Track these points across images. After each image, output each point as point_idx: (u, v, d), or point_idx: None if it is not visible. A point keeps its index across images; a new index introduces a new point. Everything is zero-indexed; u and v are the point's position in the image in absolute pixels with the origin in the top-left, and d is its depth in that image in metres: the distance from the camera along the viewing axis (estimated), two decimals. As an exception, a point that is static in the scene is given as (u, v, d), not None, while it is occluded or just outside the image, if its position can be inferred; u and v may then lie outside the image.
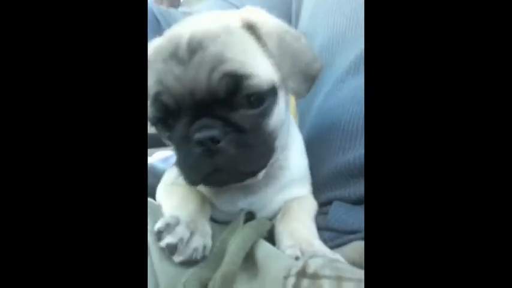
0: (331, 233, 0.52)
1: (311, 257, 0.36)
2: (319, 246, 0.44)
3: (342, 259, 0.40)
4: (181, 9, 0.81)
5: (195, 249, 0.41)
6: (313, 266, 0.34)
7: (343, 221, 0.52)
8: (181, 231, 0.41)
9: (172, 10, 0.80)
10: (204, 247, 0.43)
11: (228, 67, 0.40)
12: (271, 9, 0.78)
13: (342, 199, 0.56)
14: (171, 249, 0.40)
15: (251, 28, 0.44)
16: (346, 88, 0.61)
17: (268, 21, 0.46)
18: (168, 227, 0.41)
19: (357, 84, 0.58)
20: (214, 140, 0.40)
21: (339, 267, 0.34)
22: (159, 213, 0.47)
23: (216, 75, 0.40)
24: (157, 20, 0.70)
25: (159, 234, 0.41)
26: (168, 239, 0.40)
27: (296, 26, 0.79)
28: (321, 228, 0.52)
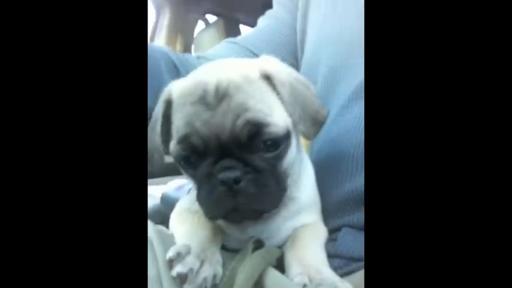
0: (341, 260, 0.52)
1: (318, 285, 0.36)
2: (328, 273, 0.44)
3: (349, 287, 0.40)
4: (196, 54, 0.85)
5: (205, 279, 0.42)
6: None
7: (352, 248, 0.52)
8: (191, 261, 0.42)
9: (188, 55, 0.84)
10: (214, 276, 0.43)
11: (250, 115, 0.45)
12: (278, 46, 0.82)
13: (350, 226, 0.55)
14: (182, 279, 0.41)
15: (267, 78, 0.49)
16: (350, 115, 0.62)
17: (282, 71, 0.51)
18: (179, 256, 0.43)
19: (361, 110, 0.60)
20: (236, 181, 0.44)
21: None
22: (170, 241, 0.49)
23: (240, 122, 0.44)
24: (176, 66, 0.74)
25: (171, 263, 0.43)
26: (178, 268, 0.42)
27: (302, 56, 0.81)
28: (330, 255, 0.52)
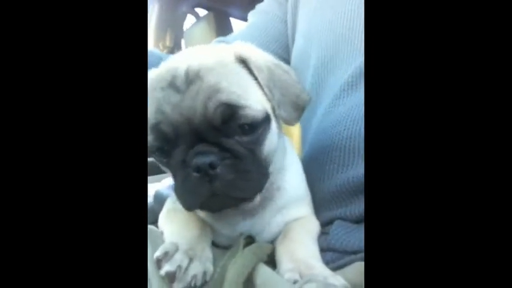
0: (333, 254, 0.52)
1: (306, 281, 0.36)
2: (319, 268, 0.43)
3: (339, 282, 0.39)
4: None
5: (194, 276, 0.41)
6: (308, 292, 0.34)
7: (344, 241, 0.51)
8: (179, 259, 0.42)
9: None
10: (204, 273, 0.43)
11: (223, 97, 0.42)
12: (270, 41, 0.81)
13: (343, 218, 0.55)
14: (171, 277, 0.41)
15: (243, 62, 0.47)
16: (342, 106, 0.61)
17: (259, 56, 0.49)
18: (167, 255, 0.42)
19: (353, 102, 0.59)
20: (212, 166, 0.42)
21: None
22: (160, 241, 0.48)
23: (212, 104, 0.42)
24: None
25: (159, 263, 0.42)
26: (166, 267, 0.41)
27: (292, 47, 0.80)
28: (323, 249, 0.51)
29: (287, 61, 0.80)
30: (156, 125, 0.43)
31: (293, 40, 0.80)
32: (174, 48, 2.13)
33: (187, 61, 0.45)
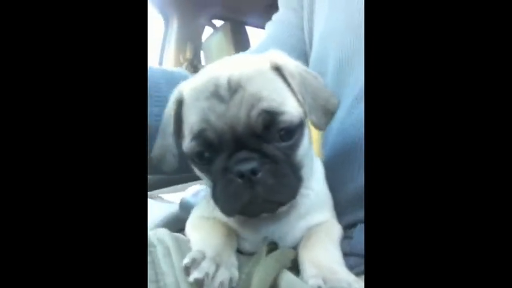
0: (357, 258, 0.51)
1: (330, 287, 0.36)
2: (343, 274, 0.43)
3: (360, 287, 0.40)
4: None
5: (222, 283, 0.43)
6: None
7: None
8: (207, 266, 0.43)
9: None
10: (231, 280, 0.44)
11: (265, 105, 0.45)
12: (289, 50, 0.81)
13: (365, 222, 0.54)
14: (199, 284, 0.42)
15: (277, 69, 0.50)
16: (362, 107, 0.61)
17: (290, 63, 0.52)
18: (195, 262, 0.43)
19: None
20: (253, 172, 0.44)
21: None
22: (187, 248, 0.50)
23: (255, 112, 0.45)
24: None
25: (187, 270, 0.43)
26: (195, 274, 0.42)
27: (310, 52, 0.81)
28: (346, 254, 0.51)
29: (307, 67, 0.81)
30: (201, 132, 0.46)
31: (310, 46, 0.81)
32: (194, 59, 2.19)
33: (227, 70, 0.48)
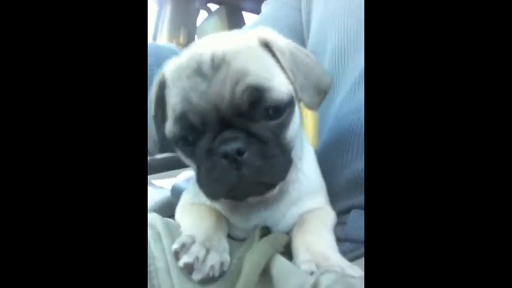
0: (351, 244, 0.51)
1: (323, 272, 0.36)
2: (336, 259, 0.43)
3: (357, 273, 0.39)
4: None
5: (212, 267, 0.42)
6: (324, 282, 0.34)
7: (362, 231, 0.50)
8: (196, 250, 0.42)
9: None
10: (222, 263, 0.43)
11: (251, 80, 0.42)
12: (284, 30, 0.79)
13: (360, 207, 0.54)
14: (189, 269, 0.41)
15: (266, 45, 0.47)
16: (362, 92, 0.60)
17: (281, 39, 0.49)
18: (184, 247, 0.43)
19: None
20: (239, 152, 0.41)
21: (351, 283, 0.33)
22: (177, 233, 0.49)
23: (240, 88, 0.42)
24: None
25: (177, 255, 0.43)
26: (184, 259, 0.42)
27: (308, 34, 0.79)
28: (340, 239, 0.51)
29: None
30: (183, 115, 0.43)
31: (308, 28, 0.79)
32: (188, 44, 2.14)
33: (212, 47, 0.44)
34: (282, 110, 0.44)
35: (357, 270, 0.40)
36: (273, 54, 0.46)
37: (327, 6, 0.73)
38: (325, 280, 0.34)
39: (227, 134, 0.42)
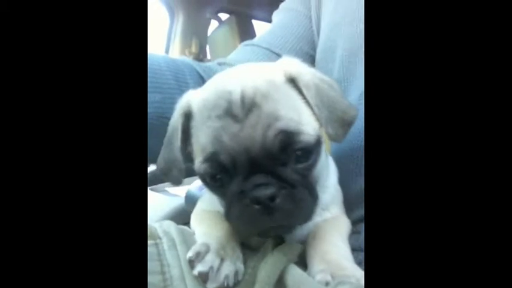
0: (366, 254, 0.50)
1: (338, 283, 0.35)
2: (351, 269, 0.42)
3: None
4: (216, 61, 0.84)
5: (226, 276, 0.42)
6: (341, 293, 0.33)
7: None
8: (211, 259, 0.42)
9: (209, 64, 0.82)
10: (236, 273, 0.43)
11: (282, 124, 0.43)
12: (296, 39, 0.80)
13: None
14: (203, 278, 0.42)
15: (292, 81, 0.47)
16: None
17: (306, 72, 0.48)
18: (199, 256, 0.43)
19: None
20: (271, 198, 0.42)
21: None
22: (191, 241, 0.49)
23: (271, 133, 0.42)
24: (201, 76, 0.73)
25: (191, 263, 0.43)
26: (199, 268, 0.42)
27: (318, 40, 0.79)
28: (355, 249, 0.50)
29: (313, 57, 0.78)
30: (214, 155, 0.43)
31: (318, 34, 0.79)
32: (200, 54, 2.18)
33: (240, 84, 0.45)
34: (310, 153, 0.45)
35: None
36: (299, 90, 0.47)
37: (336, 12, 0.73)
38: (341, 291, 0.34)
39: (259, 178, 0.43)
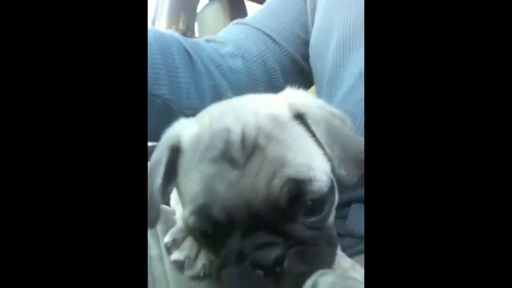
0: (351, 239, 0.49)
1: (322, 274, 0.33)
2: (337, 259, 0.40)
3: (360, 275, 0.37)
4: (205, 38, 0.79)
5: (204, 265, 0.40)
6: (323, 285, 0.32)
7: (363, 226, 0.48)
8: (188, 248, 0.41)
9: (197, 40, 0.77)
10: (213, 261, 0.41)
11: (290, 172, 0.35)
12: (289, 21, 0.76)
13: (360, 201, 0.52)
14: (179, 266, 0.40)
15: (300, 117, 0.39)
16: (363, 89, 0.57)
17: (313, 106, 0.41)
18: (175, 243, 0.41)
19: None
20: (278, 261, 0.34)
21: (350, 286, 0.31)
22: (171, 221, 0.46)
23: (277, 182, 0.35)
24: (187, 52, 0.68)
25: (168, 250, 0.41)
26: (175, 255, 0.40)
27: (312, 24, 0.76)
28: (340, 234, 0.48)
29: (307, 41, 0.75)
30: (205, 208, 0.35)
31: (313, 18, 0.76)
32: (187, 31, 2.09)
33: (239, 121, 0.37)
34: (323, 203, 0.38)
35: (360, 271, 0.38)
36: (307, 127, 0.39)
37: None
38: (323, 282, 0.32)
39: (261, 237, 0.35)
